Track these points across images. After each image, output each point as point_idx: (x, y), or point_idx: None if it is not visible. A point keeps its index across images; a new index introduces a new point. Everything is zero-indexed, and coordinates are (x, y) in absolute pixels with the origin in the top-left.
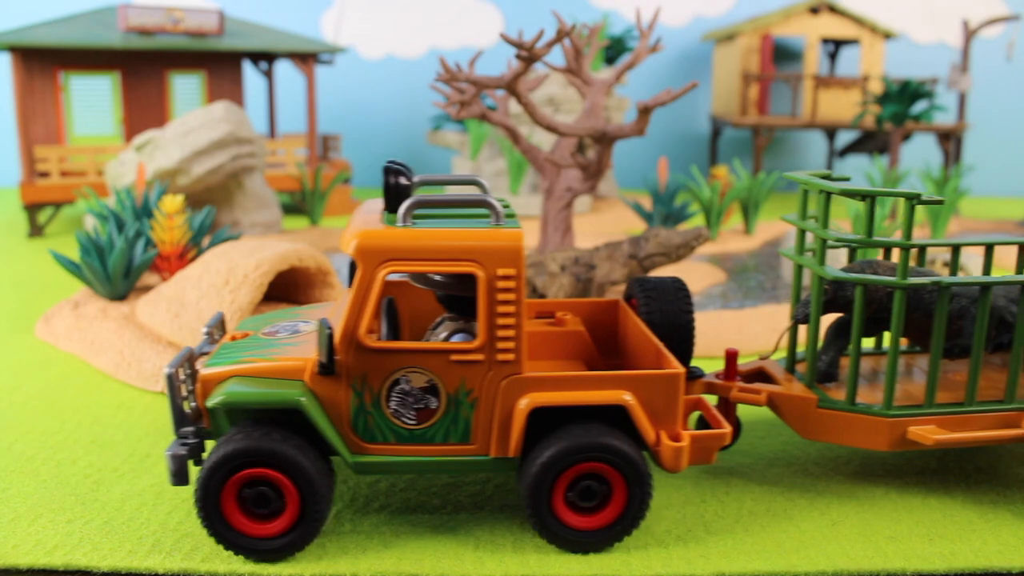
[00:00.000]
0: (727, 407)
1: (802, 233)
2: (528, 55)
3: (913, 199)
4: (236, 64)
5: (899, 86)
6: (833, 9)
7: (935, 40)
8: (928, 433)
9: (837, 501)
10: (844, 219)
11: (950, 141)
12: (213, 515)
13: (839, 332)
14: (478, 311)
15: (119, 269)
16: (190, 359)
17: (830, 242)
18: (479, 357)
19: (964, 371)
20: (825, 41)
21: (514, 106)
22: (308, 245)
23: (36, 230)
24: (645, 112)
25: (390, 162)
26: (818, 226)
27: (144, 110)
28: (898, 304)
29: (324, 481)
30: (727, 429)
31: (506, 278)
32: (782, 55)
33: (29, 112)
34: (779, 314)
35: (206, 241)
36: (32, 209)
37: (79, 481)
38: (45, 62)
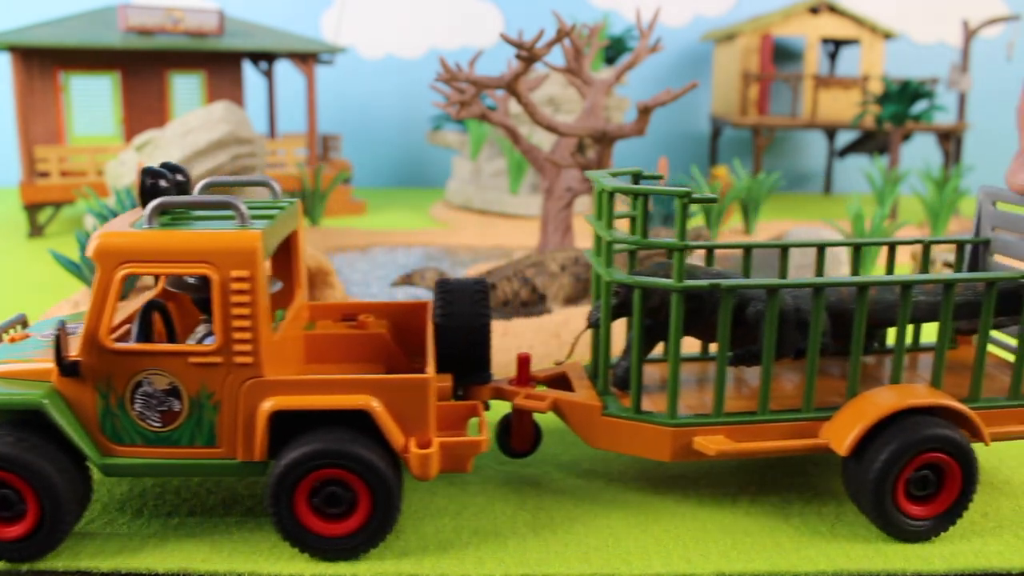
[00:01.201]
0: (522, 415)
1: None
2: (528, 55)
3: (684, 197)
4: (236, 64)
5: (899, 86)
6: (833, 9)
7: (935, 40)
8: (712, 444)
9: (836, 501)
10: (843, 219)
11: (950, 141)
12: None
13: (640, 338)
14: (213, 313)
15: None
16: None
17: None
18: (217, 360)
19: (788, 377)
20: (825, 41)
21: (514, 106)
22: (308, 245)
23: (36, 230)
24: (645, 112)
25: (152, 166)
26: (603, 226)
27: (144, 110)
28: (676, 307)
29: (68, 485)
30: (482, 438)
31: (240, 280)
32: (782, 55)
33: (29, 112)
34: None
35: None
36: (32, 209)
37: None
38: (45, 62)
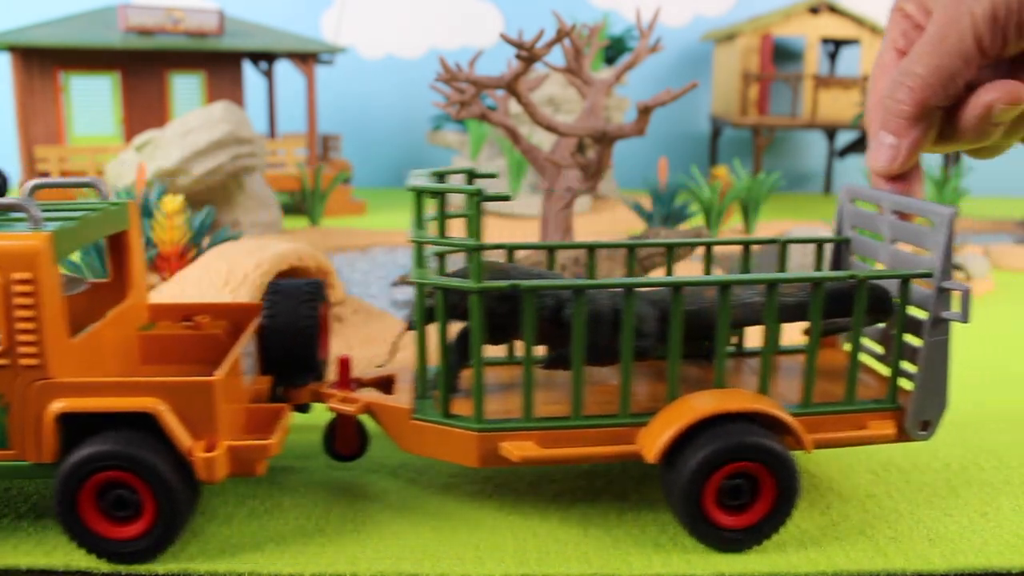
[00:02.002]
0: (345, 419)
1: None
2: (528, 55)
3: (475, 195)
4: (236, 64)
5: None
6: (833, 9)
7: None
8: (517, 450)
9: (838, 501)
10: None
11: None
12: None
13: (460, 340)
14: None
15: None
16: None
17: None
18: (5, 362)
19: (617, 382)
20: (825, 41)
21: (514, 106)
22: (308, 245)
23: None
24: (645, 112)
25: None
26: (415, 227)
27: (144, 110)
28: (475, 308)
29: None
30: (270, 441)
31: (23, 282)
32: (782, 55)
33: (29, 112)
34: None
35: (206, 241)
36: None
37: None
38: (45, 62)
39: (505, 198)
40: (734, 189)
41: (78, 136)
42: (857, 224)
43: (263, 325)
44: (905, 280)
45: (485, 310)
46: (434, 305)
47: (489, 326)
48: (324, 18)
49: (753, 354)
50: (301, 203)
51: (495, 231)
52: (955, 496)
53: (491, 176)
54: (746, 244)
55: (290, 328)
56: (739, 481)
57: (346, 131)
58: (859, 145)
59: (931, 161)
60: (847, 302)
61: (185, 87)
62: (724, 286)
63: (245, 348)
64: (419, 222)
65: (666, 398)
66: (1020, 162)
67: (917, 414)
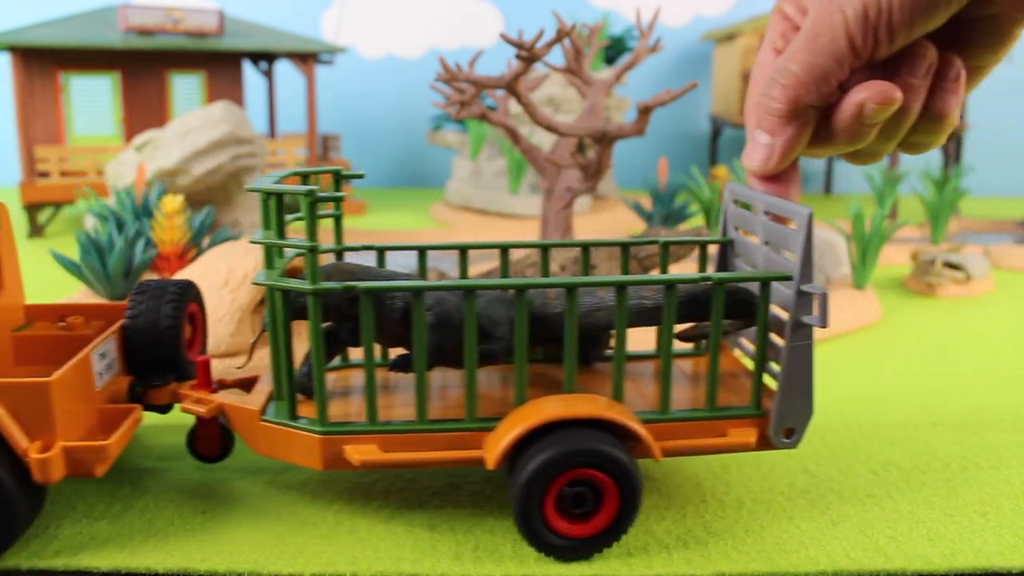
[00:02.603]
0: (205, 420)
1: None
2: (528, 55)
3: (309, 196)
4: (236, 64)
5: None
6: None
7: None
8: (358, 453)
9: (837, 501)
10: (843, 219)
11: (950, 141)
12: None
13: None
14: None
15: (119, 269)
16: None
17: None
18: None
19: (488, 384)
20: None
21: (514, 106)
22: None
23: (36, 230)
24: (645, 112)
25: None
26: (262, 228)
27: (144, 110)
28: (313, 310)
29: None
30: (108, 442)
31: None
32: None
33: (29, 112)
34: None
35: (206, 241)
36: (32, 209)
37: (80, 481)
38: (45, 62)
39: (339, 198)
40: None
41: (78, 136)
42: (739, 225)
43: (125, 325)
44: (765, 283)
45: (340, 312)
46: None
47: (347, 328)
48: (324, 18)
49: (637, 358)
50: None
51: (496, 231)
52: (955, 496)
53: (359, 176)
54: (624, 245)
55: (152, 328)
56: (581, 489)
57: (346, 131)
58: None
59: (931, 161)
60: (709, 306)
61: (185, 87)
62: (570, 288)
63: (105, 348)
64: (265, 223)
65: (514, 403)
66: (1020, 162)
67: (780, 421)
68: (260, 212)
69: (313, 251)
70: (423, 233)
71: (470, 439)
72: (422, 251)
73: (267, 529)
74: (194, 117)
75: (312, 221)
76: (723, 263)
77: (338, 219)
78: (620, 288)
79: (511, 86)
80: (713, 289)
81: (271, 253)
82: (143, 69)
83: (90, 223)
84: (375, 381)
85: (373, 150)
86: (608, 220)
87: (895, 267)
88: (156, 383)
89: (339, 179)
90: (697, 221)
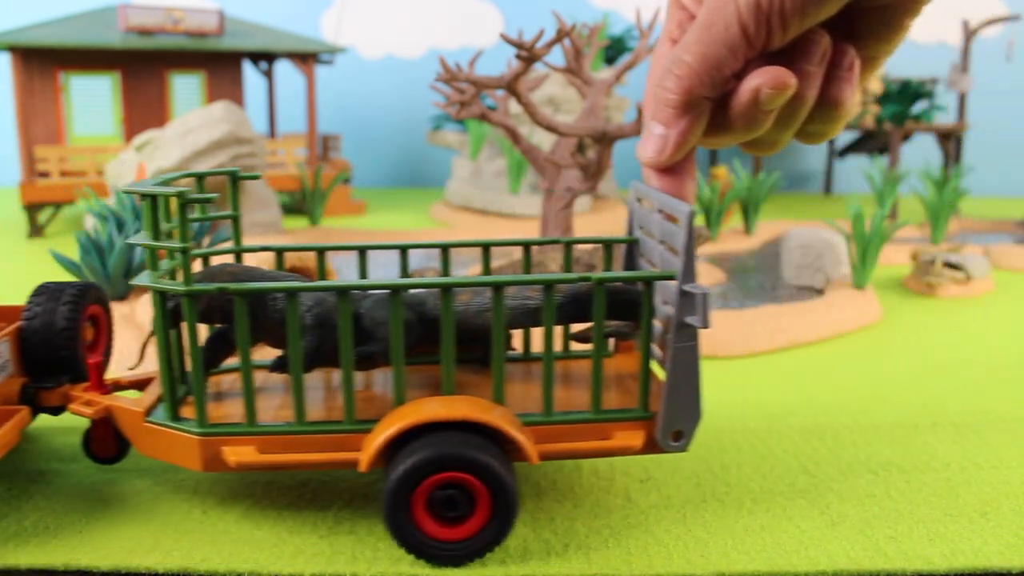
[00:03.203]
0: (98, 422)
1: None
2: (528, 55)
3: (179, 197)
4: (236, 64)
5: (899, 86)
6: None
7: (935, 40)
8: (235, 455)
9: (837, 501)
10: (843, 219)
11: (950, 141)
12: None
13: (210, 344)
14: None
15: (119, 269)
16: None
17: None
18: None
19: (378, 388)
20: None
21: (514, 106)
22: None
23: (36, 230)
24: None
25: None
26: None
27: (144, 110)
28: (188, 311)
29: None
30: None
31: None
32: None
33: (29, 112)
34: (779, 314)
35: (206, 241)
36: (32, 209)
37: (79, 481)
38: (45, 62)
39: (209, 199)
40: (734, 189)
41: (78, 136)
42: (642, 224)
43: (21, 327)
44: (648, 282)
45: (227, 314)
46: (177, 308)
47: (230, 330)
48: (324, 18)
49: (540, 359)
50: (301, 203)
51: (496, 231)
52: (955, 496)
53: (254, 178)
54: (526, 245)
55: (47, 329)
56: (452, 492)
57: (346, 131)
58: (859, 145)
59: (931, 162)
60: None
61: (185, 87)
62: (446, 289)
63: None
64: (147, 224)
65: (393, 404)
66: (1020, 162)
67: (668, 424)
68: (144, 215)
69: (185, 252)
70: (423, 233)
71: (349, 441)
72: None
73: (267, 529)
74: (194, 117)
75: (184, 222)
76: (629, 263)
77: (235, 220)
78: (496, 289)
79: (511, 86)
80: (594, 289)
81: (153, 255)
82: (143, 69)
83: (90, 223)
84: (252, 383)
85: (373, 150)
86: (608, 220)
87: (895, 267)
88: (48, 385)
89: (235, 180)
90: (697, 221)
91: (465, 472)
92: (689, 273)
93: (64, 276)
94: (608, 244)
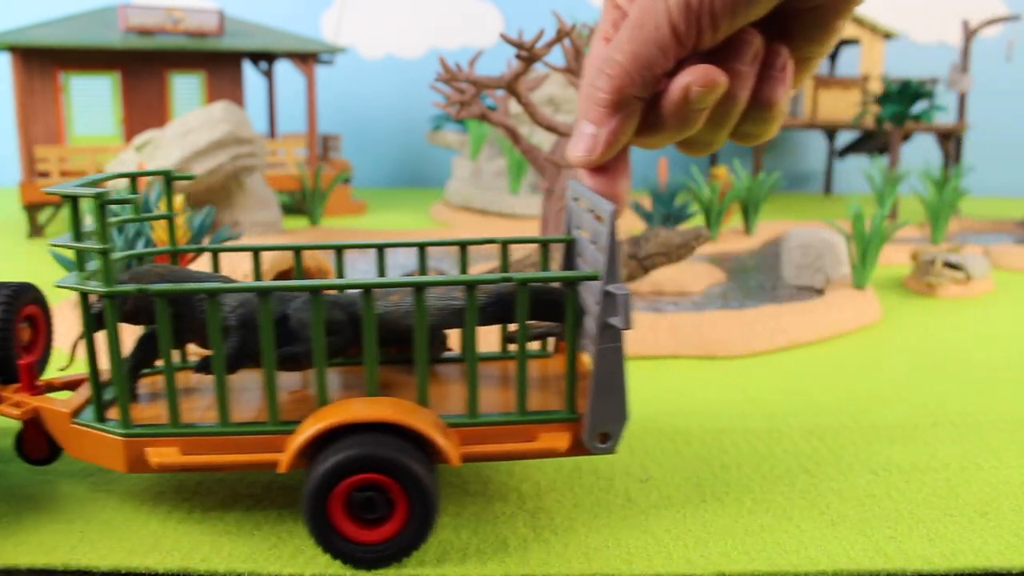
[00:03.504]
0: (29, 423)
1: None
2: (528, 55)
3: (97, 198)
4: (236, 64)
5: (899, 86)
6: None
7: (935, 40)
8: (157, 456)
9: (837, 501)
10: (843, 219)
11: (950, 141)
12: None
13: (140, 344)
14: None
15: (119, 269)
16: None
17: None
18: None
19: (306, 388)
20: None
21: (514, 106)
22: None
23: (36, 230)
24: None
25: None
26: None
27: (144, 110)
28: (110, 313)
29: None
30: None
31: None
32: None
33: (29, 112)
34: (779, 314)
35: (206, 241)
36: (32, 209)
37: (79, 481)
38: (45, 62)
39: (126, 201)
40: (734, 189)
41: (78, 136)
42: (578, 224)
43: None
44: (570, 283)
45: (153, 314)
46: (101, 310)
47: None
48: (324, 18)
49: (481, 360)
50: (301, 203)
51: (496, 231)
52: (955, 496)
53: (188, 178)
54: (463, 245)
55: None
56: (371, 494)
57: (346, 131)
58: (859, 145)
59: (931, 161)
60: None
61: (185, 87)
62: (367, 290)
63: None
64: (69, 225)
65: (316, 406)
66: (1020, 162)
67: (594, 425)
68: (68, 217)
69: (105, 254)
70: (423, 233)
71: (273, 442)
72: (256, 253)
73: (267, 529)
74: (194, 117)
75: (103, 224)
76: (568, 263)
77: (170, 220)
78: (418, 290)
79: (511, 86)
80: (516, 290)
81: (81, 257)
82: (143, 69)
83: (90, 223)
84: (175, 384)
85: (373, 150)
86: None
87: (895, 267)
88: None
89: (169, 181)
90: (697, 221)
91: (381, 474)
92: (612, 273)
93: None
94: (544, 244)
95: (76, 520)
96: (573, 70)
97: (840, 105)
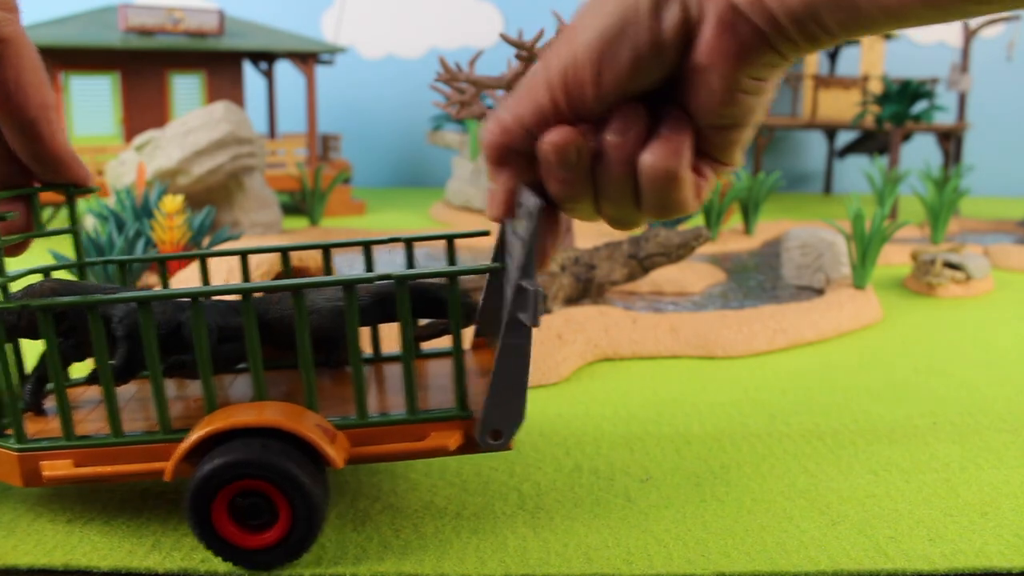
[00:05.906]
0: None
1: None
2: (528, 55)
3: None
4: (236, 64)
5: (899, 86)
6: None
7: (935, 40)
8: (50, 469)
9: (837, 501)
10: (843, 219)
11: (950, 141)
12: None
13: (41, 360)
14: None
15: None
16: None
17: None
18: None
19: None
20: None
21: None
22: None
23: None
24: None
25: None
26: None
27: (144, 110)
28: None
29: None
30: None
31: None
32: None
33: None
34: (779, 314)
35: (206, 241)
36: None
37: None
38: (45, 62)
39: (2, 218)
40: (734, 189)
41: (78, 136)
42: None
43: None
44: (452, 278)
45: (51, 329)
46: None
47: (69, 344)
48: (324, 18)
49: (389, 359)
50: (301, 203)
51: (495, 230)
52: (955, 496)
53: (92, 191)
54: (367, 244)
55: None
56: (255, 500)
57: (346, 131)
58: (859, 145)
59: (931, 161)
60: (418, 303)
61: (185, 87)
62: (245, 295)
63: None
64: None
65: (205, 412)
66: (1020, 162)
67: (487, 423)
68: None
69: None
70: (423, 233)
71: (163, 451)
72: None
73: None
74: (194, 117)
75: None
76: (497, 259)
77: (76, 234)
78: (296, 293)
79: (511, 86)
80: (397, 288)
81: None
82: (143, 69)
83: (90, 223)
84: (66, 397)
85: (373, 150)
86: None
87: (895, 267)
88: None
89: (71, 195)
90: (697, 221)
91: (260, 479)
92: (527, 268)
93: (64, 276)
94: (451, 239)
95: (76, 520)
96: None
97: (840, 105)
